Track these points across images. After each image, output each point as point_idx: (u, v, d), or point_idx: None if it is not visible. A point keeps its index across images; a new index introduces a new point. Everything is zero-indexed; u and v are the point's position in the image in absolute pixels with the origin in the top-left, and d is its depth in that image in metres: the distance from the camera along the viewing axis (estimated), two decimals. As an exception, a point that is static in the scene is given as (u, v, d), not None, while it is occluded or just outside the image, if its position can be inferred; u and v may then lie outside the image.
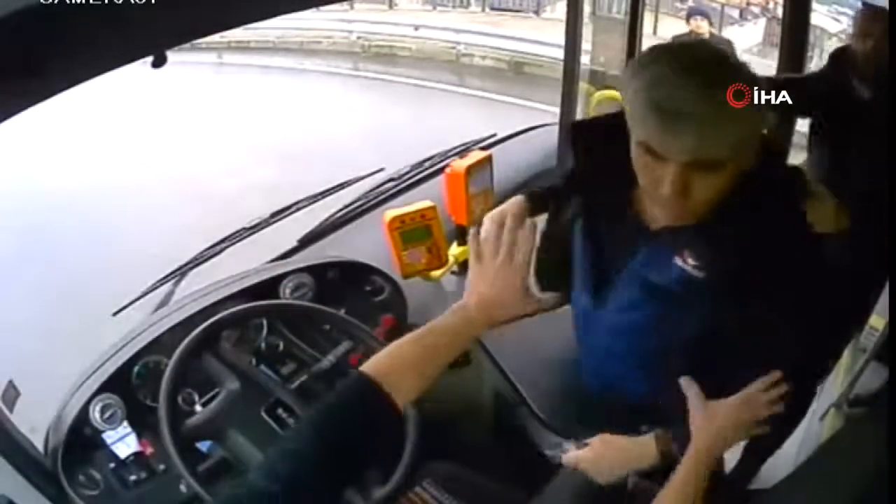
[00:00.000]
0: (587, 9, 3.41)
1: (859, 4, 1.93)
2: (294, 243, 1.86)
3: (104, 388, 1.30)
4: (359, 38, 10.15)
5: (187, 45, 1.11)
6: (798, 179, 1.17)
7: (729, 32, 7.81)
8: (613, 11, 4.30)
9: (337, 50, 10.09)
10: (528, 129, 2.47)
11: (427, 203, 1.45)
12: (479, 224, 1.01)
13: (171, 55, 0.80)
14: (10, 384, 1.23)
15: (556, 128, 2.38)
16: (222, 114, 6.92)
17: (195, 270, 1.75)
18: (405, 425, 1.23)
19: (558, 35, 2.48)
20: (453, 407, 1.56)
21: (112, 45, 0.72)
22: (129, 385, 1.33)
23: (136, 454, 1.27)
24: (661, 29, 7.99)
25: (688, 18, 5.82)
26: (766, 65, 3.71)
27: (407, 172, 2.04)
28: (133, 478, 1.25)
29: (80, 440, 1.26)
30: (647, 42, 2.93)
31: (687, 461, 0.99)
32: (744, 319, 1.01)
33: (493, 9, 11.16)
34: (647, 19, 5.45)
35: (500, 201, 1.28)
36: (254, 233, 1.81)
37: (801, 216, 1.06)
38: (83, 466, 1.24)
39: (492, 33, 9.74)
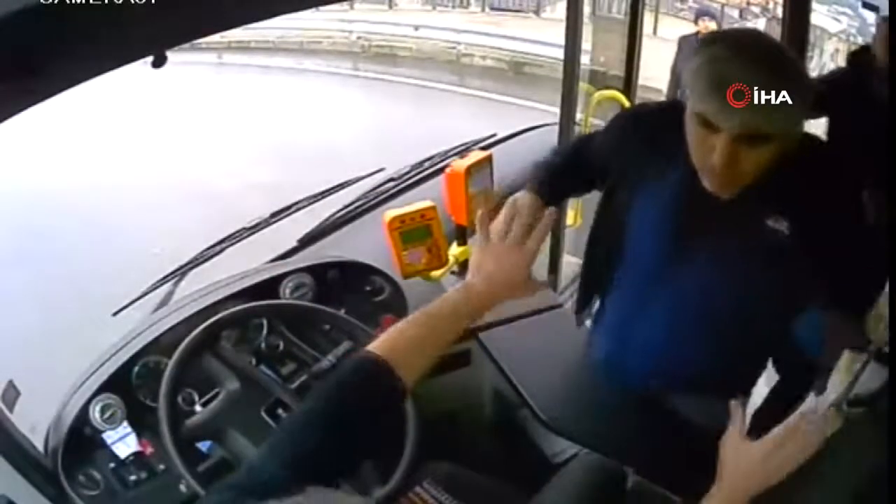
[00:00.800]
0: (587, 9, 3.39)
1: (859, 5, 1.94)
2: (294, 243, 1.86)
3: (104, 388, 1.30)
4: (359, 38, 10.13)
5: (187, 45, 1.11)
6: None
7: (729, 32, 7.80)
8: (613, 11, 4.29)
9: (337, 50, 10.08)
10: (528, 129, 2.48)
11: (427, 203, 1.45)
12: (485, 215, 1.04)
13: (171, 55, 0.79)
14: (10, 384, 1.23)
15: (556, 128, 2.38)
16: (222, 114, 6.90)
17: (195, 270, 1.75)
18: (405, 425, 1.23)
19: (558, 35, 2.47)
20: (453, 407, 1.56)
21: (112, 45, 0.72)
22: (129, 385, 1.33)
23: (136, 454, 1.27)
24: (661, 29, 7.99)
25: (696, 20, 5.93)
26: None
27: (407, 172, 2.04)
28: (133, 478, 1.25)
29: (80, 440, 1.26)
30: (647, 42, 2.94)
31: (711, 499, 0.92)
32: (825, 272, 1.06)
33: (493, 9, 11.15)
34: (648, 19, 5.45)
35: (501, 202, 1.28)
36: (254, 233, 1.82)
37: (850, 179, 1.12)
38: (83, 466, 1.24)
39: (492, 33, 9.74)
